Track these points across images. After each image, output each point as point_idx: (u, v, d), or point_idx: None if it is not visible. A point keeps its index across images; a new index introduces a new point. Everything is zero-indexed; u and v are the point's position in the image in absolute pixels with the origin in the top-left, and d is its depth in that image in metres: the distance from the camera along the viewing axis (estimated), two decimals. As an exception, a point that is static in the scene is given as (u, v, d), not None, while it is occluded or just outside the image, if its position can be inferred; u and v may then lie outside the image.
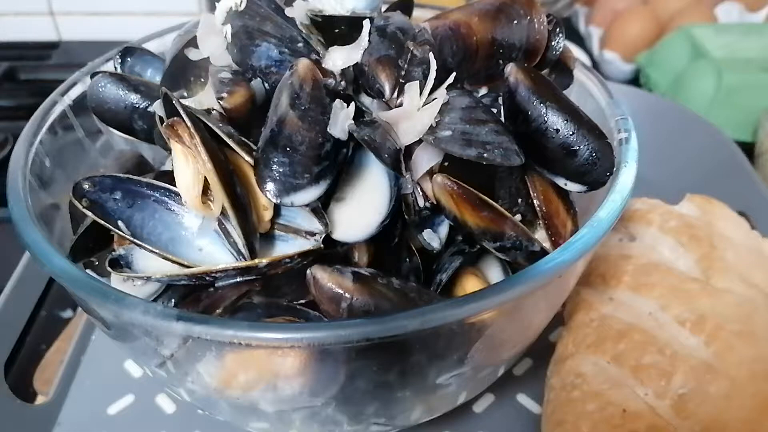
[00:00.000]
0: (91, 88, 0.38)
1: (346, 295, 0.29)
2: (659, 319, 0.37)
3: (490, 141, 0.31)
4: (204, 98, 0.36)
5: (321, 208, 0.30)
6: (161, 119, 0.30)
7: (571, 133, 0.32)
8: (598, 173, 0.32)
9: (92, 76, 0.39)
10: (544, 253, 0.32)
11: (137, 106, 0.37)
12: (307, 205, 0.29)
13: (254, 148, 0.29)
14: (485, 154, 0.30)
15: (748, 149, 0.68)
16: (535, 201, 0.34)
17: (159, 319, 0.25)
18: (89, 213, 0.29)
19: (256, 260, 0.29)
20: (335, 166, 0.30)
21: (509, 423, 0.41)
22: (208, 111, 0.31)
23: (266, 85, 0.34)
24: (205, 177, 0.29)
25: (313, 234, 0.30)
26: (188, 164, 0.29)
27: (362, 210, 0.31)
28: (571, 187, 0.33)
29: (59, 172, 0.38)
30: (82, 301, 0.29)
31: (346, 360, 0.29)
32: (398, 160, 0.30)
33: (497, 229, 0.32)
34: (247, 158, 0.29)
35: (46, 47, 0.98)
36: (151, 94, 0.38)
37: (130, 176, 0.31)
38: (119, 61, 0.41)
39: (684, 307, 0.37)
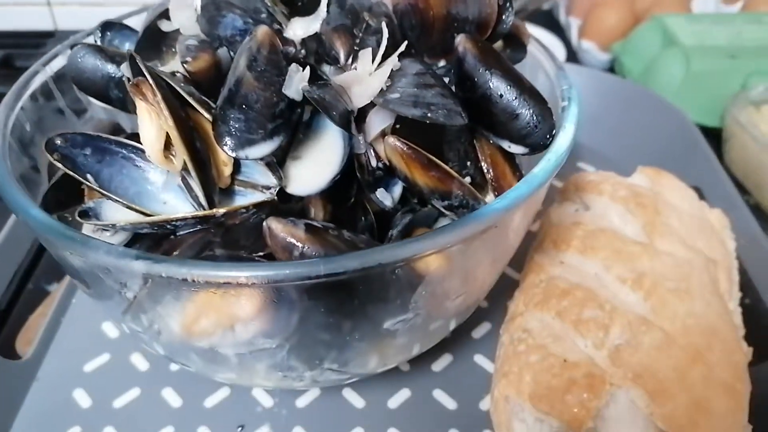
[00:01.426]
0: (71, 58, 0.40)
1: (298, 244, 0.31)
2: (602, 279, 0.39)
3: (435, 103, 0.33)
4: (174, 66, 0.38)
5: (276, 164, 0.32)
6: (128, 79, 0.33)
7: (513, 98, 0.34)
8: (538, 136, 0.34)
9: (72, 48, 0.41)
10: None
11: (113, 75, 0.39)
12: (261, 159, 0.31)
13: (213, 106, 0.32)
14: (429, 114, 0.32)
15: (716, 134, 0.70)
16: (482, 164, 0.36)
17: (119, 258, 0.28)
18: (60, 165, 0.31)
19: (214, 210, 0.31)
20: (289, 125, 0.32)
21: (465, 380, 0.43)
22: (173, 74, 0.34)
23: (231, 53, 0.36)
24: (167, 133, 0.31)
25: (268, 188, 0.32)
26: (152, 121, 0.31)
27: (316, 167, 0.33)
28: (515, 149, 0.35)
29: (39, 137, 0.40)
30: (54, 247, 0.31)
31: (297, 301, 0.31)
32: (349, 120, 0.32)
33: (445, 188, 0.34)
34: (207, 115, 0.31)
35: (43, 36, 1.01)
36: (136, 66, 0.40)
37: (100, 134, 0.33)
38: (99, 35, 0.43)
39: (626, 267, 0.39)
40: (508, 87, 0.34)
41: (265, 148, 0.31)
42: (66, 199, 0.35)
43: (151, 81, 0.30)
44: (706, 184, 0.52)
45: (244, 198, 0.33)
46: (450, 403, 0.42)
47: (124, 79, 0.33)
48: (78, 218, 0.32)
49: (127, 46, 0.43)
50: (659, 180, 0.46)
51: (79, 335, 0.47)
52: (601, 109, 0.65)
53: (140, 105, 0.31)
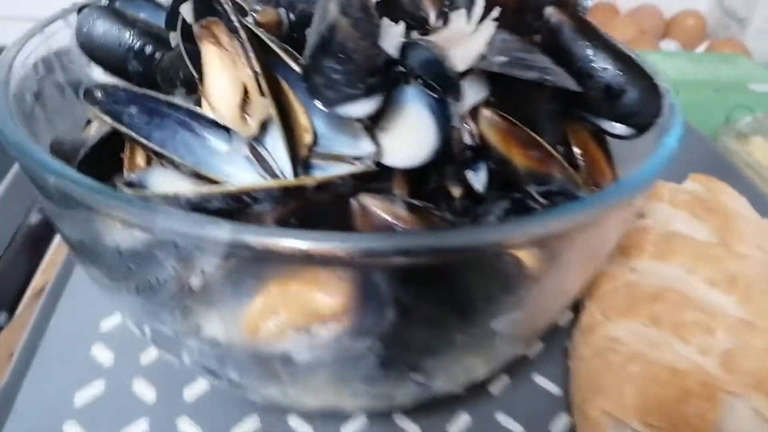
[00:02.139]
0: (81, 22, 0.34)
1: (400, 224, 0.26)
2: (689, 282, 0.36)
3: (547, 67, 0.29)
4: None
5: (371, 129, 0.27)
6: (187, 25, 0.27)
7: (619, 72, 0.31)
8: (645, 115, 0.31)
9: (79, 10, 0.35)
10: None
11: (133, 45, 0.34)
12: (359, 120, 0.26)
13: (298, 56, 0.27)
14: (547, 77, 0.28)
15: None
16: (575, 148, 0.33)
17: (204, 226, 0.22)
18: (107, 119, 0.25)
19: (304, 180, 0.25)
20: (386, 85, 0.27)
21: (527, 402, 0.38)
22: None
23: (291, 16, 0.31)
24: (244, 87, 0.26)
25: (360, 158, 0.27)
26: (226, 70, 0.25)
27: (408, 138, 0.28)
28: (618, 129, 0.31)
29: (39, 111, 0.33)
30: (92, 219, 0.25)
31: (394, 290, 0.25)
32: (456, 85, 0.27)
33: (545, 171, 0.30)
34: (294, 66, 0.26)
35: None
36: (151, 33, 0.34)
37: (147, 92, 0.27)
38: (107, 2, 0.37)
39: (712, 269, 0.36)
40: (613, 60, 0.31)
41: (367, 105, 0.26)
42: (99, 171, 0.28)
43: (233, 17, 0.25)
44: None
45: (329, 171, 0.27)
46: (516, 427, 0.37)
47: (190, 20, 0.27)
48: (126, 190, 0.26)
49: (142, 17, 0.37)
50: (713, 187, 0.43)
51: (65, 357, 0.39)
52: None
53: (210, 51, 0.26)
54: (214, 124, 0.27)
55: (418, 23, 0.30)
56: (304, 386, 0.29)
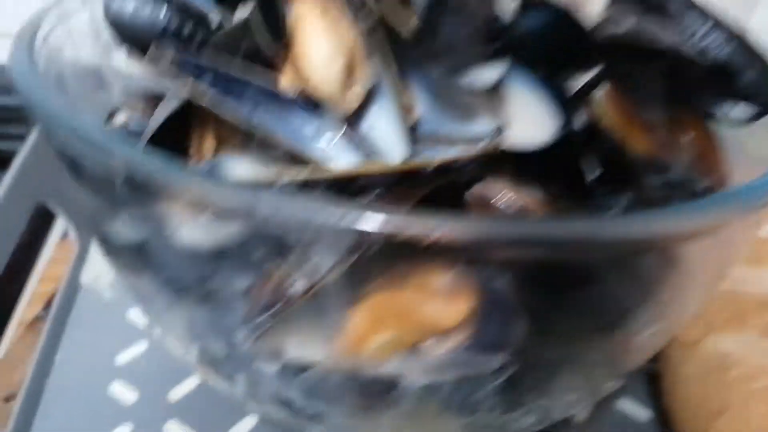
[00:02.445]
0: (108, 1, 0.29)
1: (532, 214, 0.22)
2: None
3: (671, 38, 0.25)
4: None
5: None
6: None
7: (736, 50, 0.27)
8: (765, 96, 0.27)
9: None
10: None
11: (169, 25, 0.29)
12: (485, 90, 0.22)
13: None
14: (683, 48, 0.25)
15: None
16: (685, 135, 0.29)
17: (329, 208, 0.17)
18: (203, 88, 0.20)
19: (424, 161, 0.21)
20: (507, 49, 0.23)
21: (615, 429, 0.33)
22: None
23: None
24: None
25: (479, 140, 0.23)
26: (327, 30, 0.21)
27: (527, 116, 0.24)
28: (737, 112, 0.28)
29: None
30: (187, 210, 0.20)
31: (525, 292, 0.21)
32: (588, 49, 0.23)
33: (666, 158, 0.26)
34: (406, 25, 0.21)
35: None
36: (188, 11, 0.30)
37: (216, 65, 0.22)
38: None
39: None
40: (727, 37, 0.27)
41: (494, 71, 0.22)
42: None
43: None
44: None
45: (437, 153, 0.23)
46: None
47: None
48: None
49: None
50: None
51: (79, 398, 0.33)
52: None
53: (305, 11, 0.21)
54: (300, 101, 0.23)
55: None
56: (403, 418, 0.24)
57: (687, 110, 0.29)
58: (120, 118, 0.31)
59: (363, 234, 0.17)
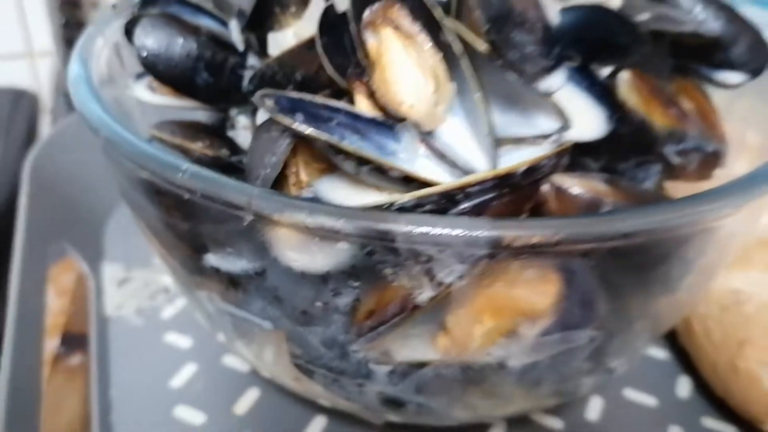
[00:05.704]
0: (140, 33, 0.29)
1: (606, 199, 0.24)
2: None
3: (686, 20, 0.28)
4: (300, 29, 0.29)
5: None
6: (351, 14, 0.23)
7: (728, 23, 0.30)
8: (759, 61, 0.31)
9: (129, 23, 0.30)
10: (717, 155, 0.30)
11: (202, 53, 0.30)
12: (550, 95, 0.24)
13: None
14: (702, 28, 0.27)
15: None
16: (687, 103, 0.32)
17: (465, 228, 0.19)
18: (304, 128, 0.21)
19: (514, 166, 0.23)
20: (565, 52, 0.25)
21: (627, 421, 0.35)
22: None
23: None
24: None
25: (545, 137, 0.25)
26: (411, 59, 0.22)
27: (576, 111, 0.26)
28: (734, 78, 0.31)
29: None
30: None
31: (603, 273, 0.24)
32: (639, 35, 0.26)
33: (683, 128, 0.29)
34: (479, 43, 0.23)
35: None
36: (218, 40, 0.30)
37: (303, 95, 0.23)
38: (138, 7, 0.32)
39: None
40: (717, 11, 0.30)
41: (561, 76, 0.24)
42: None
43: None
44: None
45: (511, 157, 0.25)
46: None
47: (349, 13, 0.24)
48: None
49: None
50: None
51: (153, 427, 0.33)
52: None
53: (390, 39, 0.22)
54: (377, 124, 0.24)
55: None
56: (502, 397, 0.27)
57: (687, 78, 0.32)
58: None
59: (493, 243, 0.19)
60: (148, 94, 0.32)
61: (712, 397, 0.35)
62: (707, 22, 0.30)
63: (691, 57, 0.31)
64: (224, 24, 0.32)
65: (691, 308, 0.31)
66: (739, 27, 0.30)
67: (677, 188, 0.31)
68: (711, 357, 0.35)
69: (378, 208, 0.21)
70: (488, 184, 0.22)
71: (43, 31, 0.79)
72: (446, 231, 0.19)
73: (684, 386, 0.37)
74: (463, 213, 0.22)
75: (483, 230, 0.19)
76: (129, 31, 0.30)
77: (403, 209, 0.21)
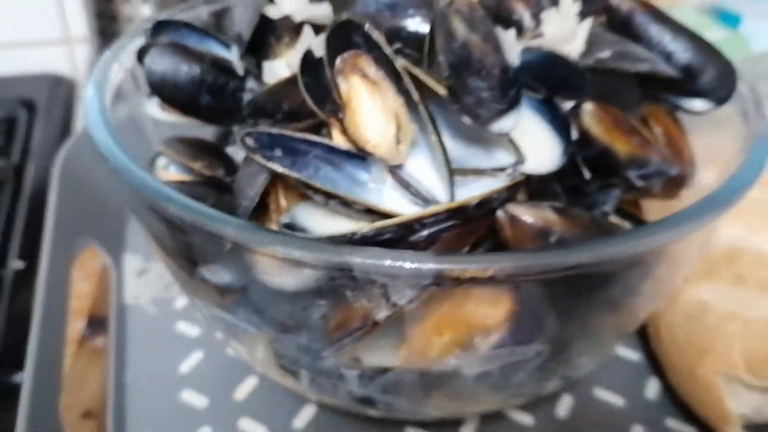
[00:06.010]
0: (149, 63, 0.32)
1: (555, 228, 0.27)
2: (754, 240, 0.38)
3: (647, 57, 0.30)
4: (291, 58, 0.32)
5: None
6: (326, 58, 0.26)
7: (696, 52, 0.32)
8: (724, 89, 0.33)
9: (141, 52, 0.33)
10: (681, 178, 0.32)
11: (205, 78, 0.33)
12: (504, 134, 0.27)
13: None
14: (657, 67, 0.29)
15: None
16: (656, 128, 0.34)
17: (411, 262, 0.22)
18: (277, 167, 0.24)
19: (467, 199, 0.25)
20: (520, 94, 0.27)
21: (596, 419, 0.38)
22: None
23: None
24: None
25: (502, 169, 0.27)
26: (376, 103, 0.25)
27: (536, 143, 0.29)
28: (700, 105, 0.33)
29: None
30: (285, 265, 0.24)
31: (554, 295, 0.26)
32: (585, 81, 0.28)
33: (644, 155, 0.31)
34: (438, 88, 0.26)
35: None
36: (220, 66, 0.33)
37: (282, 131, 0.26)
38: (149, 36, 0.36)
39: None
40: (687, 41, 0.32)
41: (514, 118, 0.26)
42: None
43: (386, 50, 0.24)
44: None
45: (468, 188, 0.28)
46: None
47: (323, 57, 0.26)
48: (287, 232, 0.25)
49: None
50: None
51: (157, 411, 0.37)
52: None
53: (357, 85, 0.25)
54: (350, 156, 0.27)
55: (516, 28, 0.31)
56: (463, 398, 0.30)
57: (657, 105, 0.34)
58: (161, 163, 0.35)
59: (435, 275, 0.22)
60: (158, 111, 0.35)
61: (678, 400, 0.38)
62: (675, 53, 0.32)
63: (660, 86, 0.33)
64: (228, 47, 0.35)
65: (638, 324, 0.33)
66: (707, 56, 0.32)
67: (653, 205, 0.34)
68: (675, 362, 0.37)
69: (342, 237, 0.24)
70: (442, 216, 0.25)
71: (80, 18, 0.83)
72: (396, 264, 0.22)
73: (652, 388, 0.39)
74: (418, 242, 0.26)
75: (427, 263, 0.22)
76: (140, 57, 0.33)
77: (364, 238, 0.25)
